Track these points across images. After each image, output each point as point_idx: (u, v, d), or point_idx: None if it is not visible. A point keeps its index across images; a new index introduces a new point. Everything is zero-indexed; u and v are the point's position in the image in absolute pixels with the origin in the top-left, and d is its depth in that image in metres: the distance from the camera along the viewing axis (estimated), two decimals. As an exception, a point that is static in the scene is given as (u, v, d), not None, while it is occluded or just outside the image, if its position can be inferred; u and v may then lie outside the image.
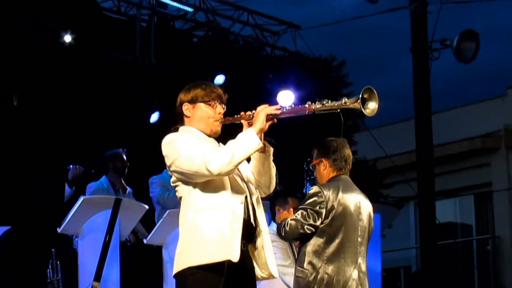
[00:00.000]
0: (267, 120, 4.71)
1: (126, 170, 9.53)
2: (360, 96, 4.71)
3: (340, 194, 5.96)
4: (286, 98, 12.00)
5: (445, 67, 13.81)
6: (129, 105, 11.56)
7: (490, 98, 18.68)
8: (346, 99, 4.76)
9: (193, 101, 4.92)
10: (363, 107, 4.71)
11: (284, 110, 4.79)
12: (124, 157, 9.51)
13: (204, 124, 4.91)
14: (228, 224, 4.66)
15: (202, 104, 4.91)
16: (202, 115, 4.91)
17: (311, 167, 6.37)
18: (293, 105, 4.90)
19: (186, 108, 4.93)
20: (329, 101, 4.77)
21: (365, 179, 13.20)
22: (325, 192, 5.93)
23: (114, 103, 11.35)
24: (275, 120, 4.77)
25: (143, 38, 12.04)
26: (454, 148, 17.94)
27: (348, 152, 6.16)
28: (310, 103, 4.78)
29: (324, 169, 6.12)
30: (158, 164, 9.73)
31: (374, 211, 6.37)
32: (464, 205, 19.14)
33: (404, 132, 14.71)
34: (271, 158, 4.90)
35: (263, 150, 4.76)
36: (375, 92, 4.75)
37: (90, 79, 11.15)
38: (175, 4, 12.51)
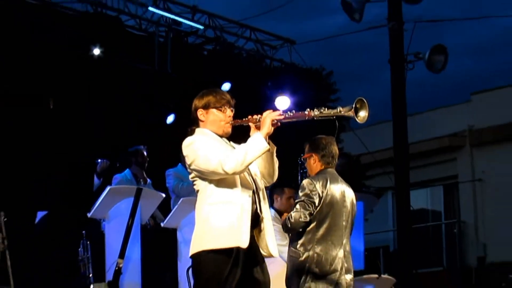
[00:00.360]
0: (272, 125, 4.74)
1: (146, 164, 9.55)
2: (354, 105, 4.75)
3: (328, 185, 5.96)
4: (283, 102, 12.02)
5: (419, 76, 13.80)
6: (148, 108, 11.57)
7: (457, 103, 18.70)
8: (341, 108, 4.81)
9: (206, 107, 4.94)
10: (356, 115, 4.75)
11: (287, 115, 4.80)
12: (145, 153, 9.53)
13: (216, 127, 4.93)
14: (237, 217, 4.70)
15: (214, 110, 4.92)
16: (214, 119, 4.93)
17: (302, 160, 6.37)
18: (294, 112, 4.88)
19: (201, 113, 4.95)
20: (326, 109, 4.81)
21: (350, 172, 13.21)
22: (316, 184, 5.93)
23: (136, 107, 11.36)
24: (279, 124, 4.79)
25: (161, 51, 12.04)
26: (426, 145, 17.95)
27: (335, 149, 6.16)
28: (309, 110, 4.81)
29: (314, 163, 6.12)
30: (174, 158, 9.82)
31: (357, 199, 6.38)
32: (434, 194, 19.16)
33: (384, 131, 14.72)
34: (275, 154, 4.92)
35: (268, 149, 4.77)
36: (366, 102, 4.78)
37: (115, 86, 11.17)
38: (188, 22, 12.52)
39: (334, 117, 4.84)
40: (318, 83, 14.13)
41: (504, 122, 17.19)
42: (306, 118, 4.82)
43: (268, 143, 4.72)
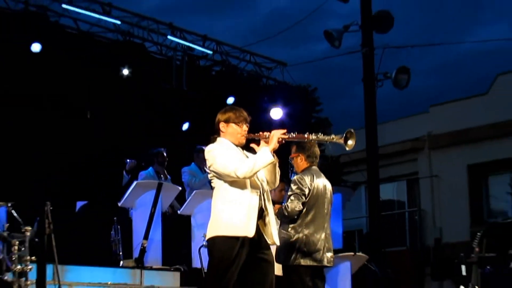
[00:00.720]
0: (277, 142, 4.81)
1: (166, 163, 9.55)
2: (344, 135, 4.82)
3: (314, 180, 5.99)
4: (276, 113, 12.06)
5: (386, 92, 13.80)
6: (167, 118, 11.58)
7: (418, 113, 18.70)
8: (334, 136, 4.89)
9: (227, 121, 4.99)
10: (345, 143, 4.82)
11: (290, 136, 4.88)
12: (164, 154, 9.53)
13: (234, 138, 4.98)
14: (245, 214, 4.77)
15: (233, 124, 4.98)
16: (232, 131, 4.98)
17: (290, 159, 6.38)
18: (296, 133, 4.94)
19: (222, 125, 5.00)
20: (322, 134, 4.91)
21: (330, 169, 13.23)
22: (305, 179, 5.96)
23: (157, 116, 11.38)
24: (283, 141, 4.86)
25: (178, 72, 12.06)
26: (393, 148, 17.95)
27: (317, 150, 6.18)
28: (308, 133, 4.89)
29: (301, 161, 6.13)
30: (188, 159, 9.82)
31: (337, 191, 6.43)
32: (399, 187, 19.12)
33: (358, 136, 14.72)
34: (277, 165, 4.98)
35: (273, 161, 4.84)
36: (354, 133, 4.86)
37: (141, 100, 11.19)
38: (199, 48, 12.53)
39: (328, 142, 4.91)
40: (305, 97, 14.13)
41: (457, 129, 17.23)
42: (305, 140, 4.90)
43: (273, 156, 4.79)
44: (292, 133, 4.89)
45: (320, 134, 4.89)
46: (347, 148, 4.81)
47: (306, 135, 4.87)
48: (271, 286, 4.86)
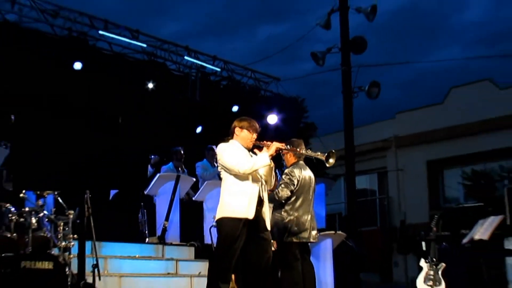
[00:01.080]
0: (276, 151, 4.93)
1: (183, 159, 9.55)
2: (326, 154, 4.95)
3: (302, 172, 5.98)
4: (272, 119, 12.04)
5: (361, 102, 13.77)
6: (184, 122, 11.58)
7: (386, 119, 18.74)
8: (319, 153, 5.08)
9: (242, 127, 5.07)
10: (327, 161, 4.95)
11: (286, 148, 5.06)
12: (182, 151, 9.53)
13: (244, 142, 5.05)
14: (247, 201, 4.82)
15: (246, 130, 5.05)
16: (244, 136, 5.05)
17: (282, 154, 6.37)
18: (291, 147, 5.16)
19: (237, 130, 5.07)
20: (310, 151, 5.20)
21: (316, 163, 13.16)
22: (295, 171, 5.95)
23: (176, 121, 11.38)
24: (280, 151, 5.02)
25: (193, 86, 12.06)
26: (366, 147, 17.99)
27: (303, 147, 6.16)
28: (300, 148, 5.18)
29: (290, 157, 6.12)
30: (201, 156, 9.79)
31: (320, 181, 6.40)
32: (371, 179, 19.17)
33: (339, 137, 14.70)
34: (273, 170, 5.05)
35: (269, 164, 4.93)
36: (334, 153, 4.97)
37: (163, 108, 11.18)
38: (210, 66, 12.50)
39: (314, 158, 5.06)
40: (295, 106, 14.11)
41: (418, 132, 17.26)
42: (297, 152, 5.11)
43: (270, 161, 4.88)
44: (288, 146, 5.06)
45: (309, 150, 5.14)
46: (327, 165, 4.92)
47: (298, 149, 5.08)
48: (269, 259, 4.91)
